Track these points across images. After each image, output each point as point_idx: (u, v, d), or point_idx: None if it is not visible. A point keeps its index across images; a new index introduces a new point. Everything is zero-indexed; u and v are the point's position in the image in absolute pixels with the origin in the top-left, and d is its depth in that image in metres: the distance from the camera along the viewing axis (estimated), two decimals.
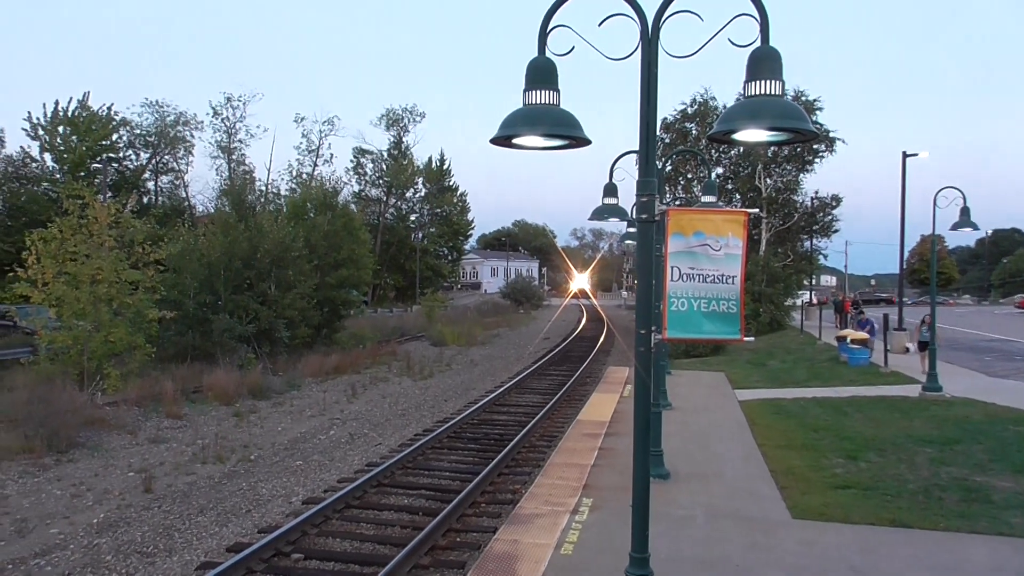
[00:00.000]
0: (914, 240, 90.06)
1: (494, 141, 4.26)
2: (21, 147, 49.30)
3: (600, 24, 4.53)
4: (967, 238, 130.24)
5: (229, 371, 21.76)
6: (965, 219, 15.52)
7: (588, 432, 13.36)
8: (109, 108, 50.26)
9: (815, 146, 40.81)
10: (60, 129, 47.95)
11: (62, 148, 47.79)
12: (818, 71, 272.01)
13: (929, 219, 17.76)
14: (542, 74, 4.17)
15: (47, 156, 48.59)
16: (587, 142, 4.28)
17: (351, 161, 70.61)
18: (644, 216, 4.66)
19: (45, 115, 47.95)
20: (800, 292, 47.34)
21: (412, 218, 74.76)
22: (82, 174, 43.49)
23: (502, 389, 21.33)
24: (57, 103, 48.23)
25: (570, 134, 4.16)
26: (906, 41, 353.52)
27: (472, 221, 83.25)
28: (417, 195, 75.42)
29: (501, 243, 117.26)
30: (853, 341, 23.26)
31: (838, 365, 23.13)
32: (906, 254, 42.33)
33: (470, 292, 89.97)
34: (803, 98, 40.29)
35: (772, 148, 39.21)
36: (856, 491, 9.63)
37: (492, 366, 29.58)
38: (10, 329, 27.42)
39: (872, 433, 13.10)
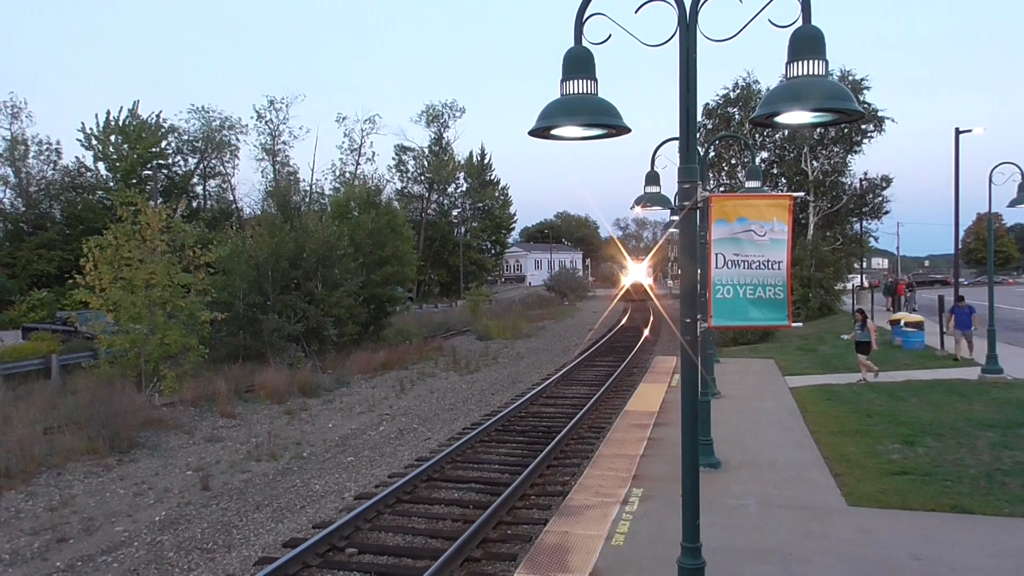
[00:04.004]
0: (970, 219, 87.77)
1: (532, 133, 4.24)
2: (76, 157, 51.00)
3: (636, 11, 4.48)
4: None
5: (279, 370, 22.19)
6: (1023, 195, 15.02)
7: (636, 423, 13.29)
8: (158, 116, 51.71)
9: (863, 126, 39.76)
10: (112, 138, 49.48)
11: (115, 157, 49.31)
12: (865, 48, 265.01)
13: (985, 196, 17.22)
14: (579, 63, 4.14)
15: (101, 165, 50.24)
16: (627, 130, 4.24)
17: (393, 159, 71.49)
18: (687, 203, 4.61)
19: (98, 125, 49.53)
20: (850, 276, 46.26)
21: (454, 213, 75.03)
22: (134, 181, 44.77)
23: (549, 381, 21.34)
24: (108, 113, 49.85)
25: (609, 123, 4.12)
26: (957, 13, 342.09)
27: (514, 214, 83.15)
28: (459, 190, 75.60)
29: (544, 235, 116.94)
30: (907, 324, 22.70)
31: (891, 349, 22.56)
32: (961, 233, 41.10)
33: (514, 285, 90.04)
34: (850, 78, 39.25)
35: (818, 130, 38.35)
36: (914, 477, 9.41)
37: (538, 359, 29.60)
38: (72, 335, 28.35)
39: (929, 418, 12.76)
